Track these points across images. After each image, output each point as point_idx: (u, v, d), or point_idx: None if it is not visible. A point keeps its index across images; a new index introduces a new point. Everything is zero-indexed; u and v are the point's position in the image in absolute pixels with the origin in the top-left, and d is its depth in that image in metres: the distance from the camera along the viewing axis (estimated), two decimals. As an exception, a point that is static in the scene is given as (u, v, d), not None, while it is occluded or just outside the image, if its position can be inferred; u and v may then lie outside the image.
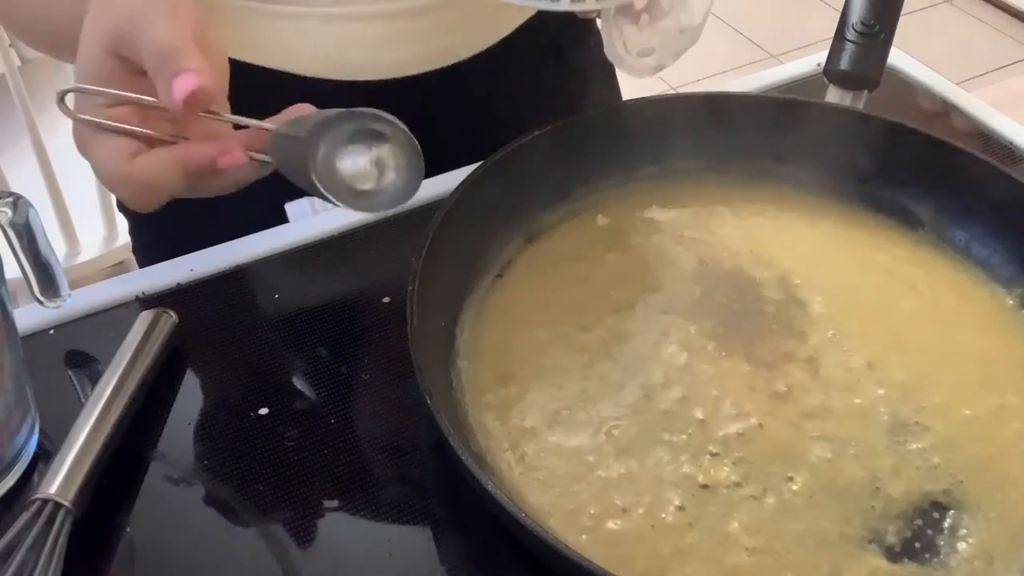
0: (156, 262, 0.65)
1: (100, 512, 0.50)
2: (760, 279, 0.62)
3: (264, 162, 0.51)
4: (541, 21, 0.78)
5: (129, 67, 0.50)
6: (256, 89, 0.73)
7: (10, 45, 1.24)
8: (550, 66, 0.81)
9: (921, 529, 0.50)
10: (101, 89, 0.50)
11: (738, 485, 0.51)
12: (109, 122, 0.50)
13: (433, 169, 0.70)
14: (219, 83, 0.52)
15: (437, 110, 0.74)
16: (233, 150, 0.50)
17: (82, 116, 0.50)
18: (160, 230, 0.83)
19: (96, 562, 0.49)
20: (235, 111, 0.76)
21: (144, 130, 0.50)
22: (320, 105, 0.71)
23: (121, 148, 0.50)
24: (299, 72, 0.72)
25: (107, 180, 0.51)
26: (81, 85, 0.50)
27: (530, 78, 0.79)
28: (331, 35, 0.71)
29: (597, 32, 0.88)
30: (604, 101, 0.87)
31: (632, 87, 0.71)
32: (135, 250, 0.90)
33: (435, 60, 0.73)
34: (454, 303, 0.59)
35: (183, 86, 0.48)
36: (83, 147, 0.51)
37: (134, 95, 0.50)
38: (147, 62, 0.49)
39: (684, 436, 0.53)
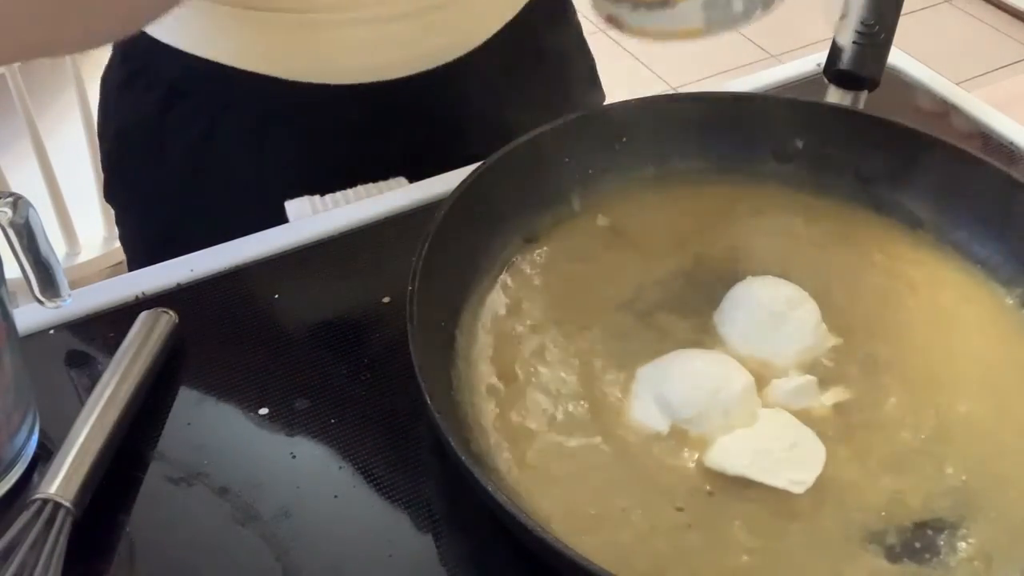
0: (149, 260, 0.64)
1: (100, 512, 0.50)
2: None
3: None
4: (525, 22, 0.78)
5: None
6: (246, 94, 0.73)
7: (10, 45, 1.24)
8: (533, 65, 0.81)
9: (921, 529, 0.50)
10: None
11: (738, 485, 0.51)
12: None
13: (429, 169, 0.71)
14: None
15: (425, 111, 0.75)
16: None
17: None
18: (160, 229, 0.83)
19: (96, 562, 0.49)
20: (222, 115, 0.75)
21: None
22: (308, 110, 0.71)
23: None
24: (291, 77, 0.72)
25: None
26: None
27: (515, 77, 0.79)
28: (324, 40, 0.71)
29: (577, 28, 0.88)
30: (588, 98, 0.88)
31: (630, 88, 0.71)
32: (125, 247, 0.89)
33: (424, 62, 0.74)
34: (454, 303, 0.59)
35: None
36: None
37: None
38: None
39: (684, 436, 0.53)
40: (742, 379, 0.54)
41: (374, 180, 0.72)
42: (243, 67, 0.72)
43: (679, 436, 0.53)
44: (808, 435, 0.53)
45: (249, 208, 0.68)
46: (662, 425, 0.53)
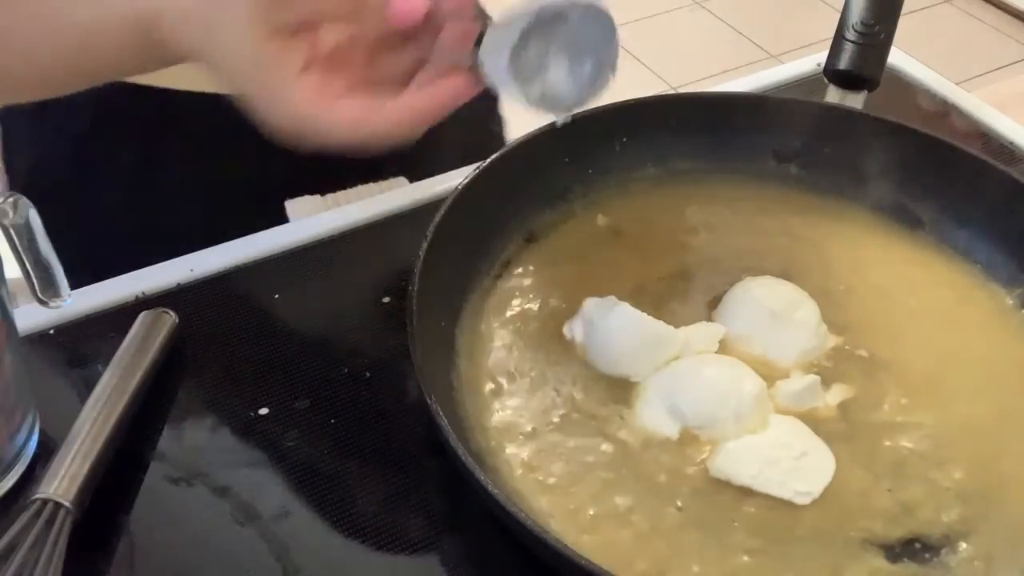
0: (151, 260, 0.64)
1: (100, 512, 0.50)
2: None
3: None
4: None
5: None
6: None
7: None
8: None
9: (921, 529, 0.50)
10: None
11: (738, 484, 0.51)
12: None
13: (429, 169, 0.71)
14: None
15: None
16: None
17: None
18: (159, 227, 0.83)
19: (96, 562, 0.49)
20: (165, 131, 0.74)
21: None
22: None
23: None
24: None
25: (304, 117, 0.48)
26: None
27: None
28: None
29: None
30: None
31: (631, 88, 0.71)
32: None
33: None
34: (454, 303, 0.59)
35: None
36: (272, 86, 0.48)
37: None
38: None
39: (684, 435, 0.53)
40: (754, 385, 0.54)
41: (374, 180, 0.72)
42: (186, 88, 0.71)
43: (686, 438, 0.53)
44: (819, 446, 0.53)
45: (251, 206, 0.67)
46: (672, 431, 0.53)
